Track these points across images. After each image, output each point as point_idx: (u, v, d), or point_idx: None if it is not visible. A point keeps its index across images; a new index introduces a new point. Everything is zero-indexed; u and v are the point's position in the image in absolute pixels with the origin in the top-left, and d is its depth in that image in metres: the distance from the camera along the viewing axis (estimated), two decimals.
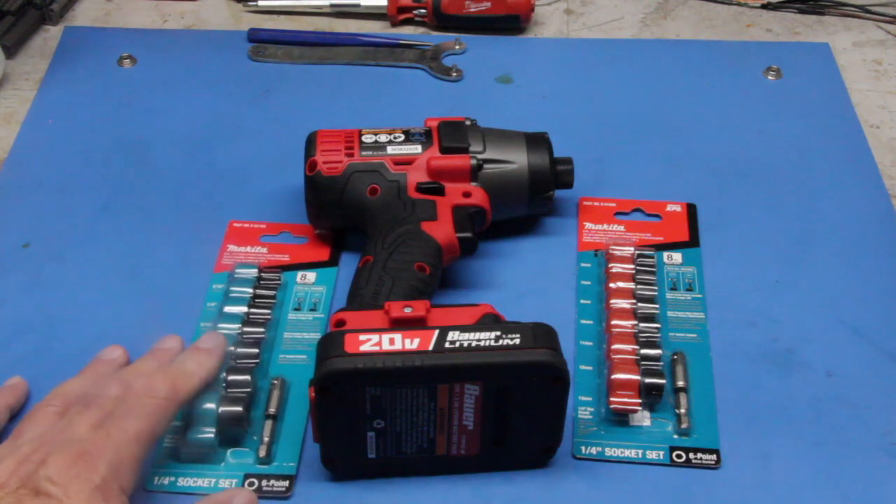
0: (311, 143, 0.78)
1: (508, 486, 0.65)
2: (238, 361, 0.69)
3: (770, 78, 0.98)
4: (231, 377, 0.68)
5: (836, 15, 1.07)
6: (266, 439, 0.66)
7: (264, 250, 0.79)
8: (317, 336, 0.73)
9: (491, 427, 0.63)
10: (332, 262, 0.79)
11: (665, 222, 0.82)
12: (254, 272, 0.76)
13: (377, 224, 0.74)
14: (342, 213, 0.77)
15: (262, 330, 0.72)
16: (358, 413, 0.61)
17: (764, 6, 1.08)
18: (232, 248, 0.79)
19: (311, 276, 0.77)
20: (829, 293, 0.78)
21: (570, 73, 0.99)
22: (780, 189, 0.87)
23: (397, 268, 0.70)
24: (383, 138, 0.78)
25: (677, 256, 0.79)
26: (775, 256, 0.81)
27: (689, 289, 0.77)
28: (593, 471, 0.66)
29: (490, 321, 0.64)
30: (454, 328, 0.61)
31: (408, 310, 0.64)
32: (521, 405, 0.62)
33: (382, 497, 0.65)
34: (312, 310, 0.75)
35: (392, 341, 0.60)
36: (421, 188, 0.76)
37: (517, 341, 0.60)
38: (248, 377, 0.68)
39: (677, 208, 0.83)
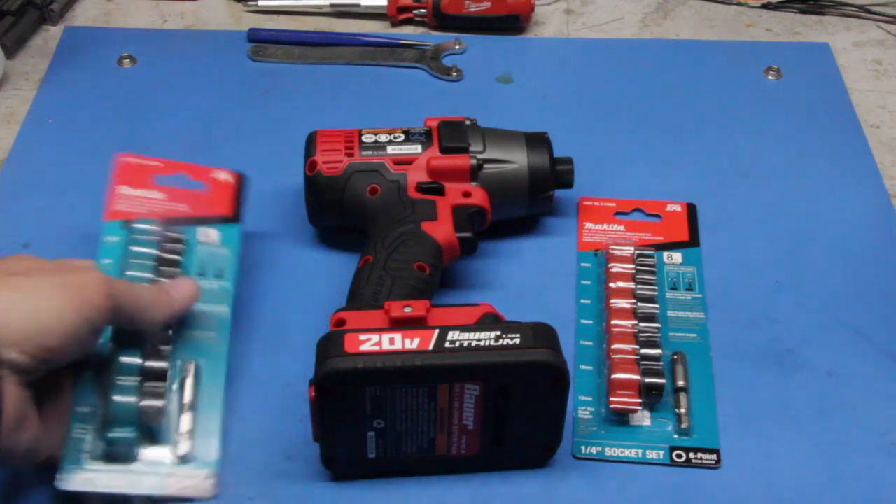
0: (311, 142, 0.78)
1: (508, 486, 0.65)
2: (158, 346, 0.64)
3: (770, 78, 0.98)
4: (149, 364, 0.63)
5: (836, 15, 1.07)
6: (183, 433, 0.63)
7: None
8: (224, 310, 0.69)
9: (491, 427, 0.63)
10: (235, 218, 0.73)
11: (665, 222, 0.82)
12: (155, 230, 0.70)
13: (377, 224, 0.74)
14: (342, 212, 0.77)
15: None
16: (358, 413, 0.61)
17: (764, 6, 1.08)
18: (126, 189, 0.72)
19: (213, 234, 0.72)
20: (829, 293, 0.78)
21: (570, 73, 0.99)
22: (780, 189, 0.87)
23: (397, 267, 0.70)
24: (383, 138, 0.78)
25: (677, 256, 0.79)
26: (775, 256, 0.81)
27: (689, 289, 0.77)
28: (593, 471, 0.66)
29: (490, 321, 0.64)
30: (454, 328, 0.61)
31: (408, 309, 0.64)
32: (522, 405, 0.62)
33: (382, 497, 0.65)
34: (218, 276, 0.70)
35: (392, 341, 0.60)
36: (421, 188, 0.76)
37: (517, 341, 0.60)
38: (165, 365, 0.63)
39: (677, 208, 0.83)
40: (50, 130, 0.91)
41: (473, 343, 0.60)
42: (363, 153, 0.77)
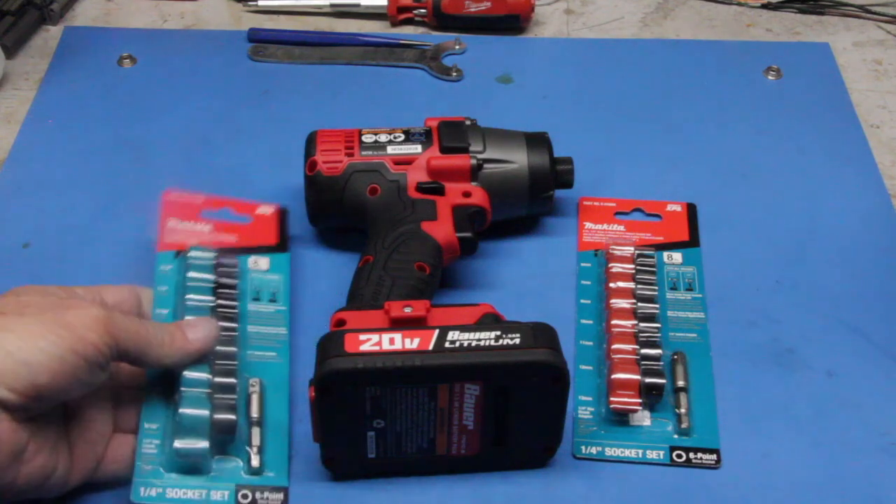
0: (311, 142, 0.78)
1: (508, 486, 0.65)
2: (220, 363, 0.66)
3: (770, 78, 0.98)
4: (218, 380, 0.64)
5: (836, 15, 1.07)
6: (255, 447, 0.64)
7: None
8: (283, 331, 0.71)
9: (491, 427, 0.63)
10: (282, 247, 0.76)
11: (665, 222, 0.82)
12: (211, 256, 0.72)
13: (377, 224, 0.74)
14: (342, 212, 0.77)
15: (234, 325, 0.69)
16: (358, 413, 0.61)
17: (764, 6, 1.08)
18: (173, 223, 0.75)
19: (263, 262, 0.74)
20: (829, 293, 0.78)
21: (570, 73, 0.99)
22: (780, 189, 0.87)
23: (397, 267, 0.70)
24: (383, 138, 0.78)
25: (677, 256, 0.79)
26: (775, 256, 0.81)
27: (689, 289, 0.77)
28: (593, 471, 0.66)
29: (490, 321, 0.64)
30: (454, 328, 0.61)
31: (408, 309, 0.64)
32: (521, 405, 0.62)
33: (382, 497, 0.65)
34: (272, 300, 0.72)
35: (392, 341, 0.60)
36: (421, 188, 0.76)
37: (517, 341, 0.60)
38: (234, 380, 0.65)
39: (677, 208, 0.83)
40: (50, 130, 0.91)
41: (473, 343, 0.60)
42: (363, 153, 0.77)
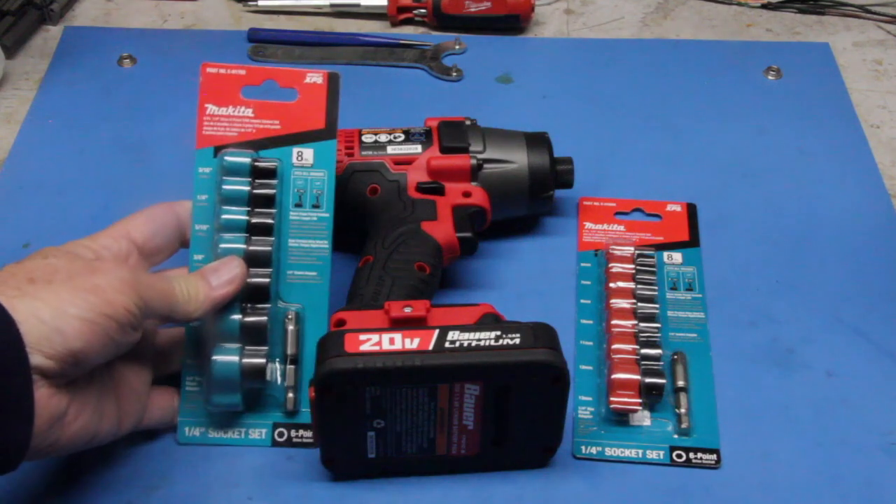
0: None
1: (508, 486, 0.65)
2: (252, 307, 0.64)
3: (770, 78, 0.98)
4: (248, 319, 0.64)
5: (836, 15, 1.07)
6: (290, 386, 0.65)
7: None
8: (324, 245, 0.68)
9: (491, 427, 0.63)
10: (328, 131, 0.70)
11: (665, 222, 0.82)
12: None
13: (377, 224, 0.74)
14: (342, 212, 0.77)
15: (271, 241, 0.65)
16: (358, 413, 0.61)
17: (764, 6, 1.08)
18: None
19: (308, 153, 0.69)
20: (829, 293, 0.78)
21: (570, 73, 0.99)
22: (780, 189, 0.87)
23: (397, 267, 0.70)
24: (383, 138, 0.78)
25: (677, 256, 0.79)
26: (775, 256, 0.81)
27: (689, 289, 0.77)
28: (593, 471, 0.67)
29: (490, 321, 0.64)
30: (454, 328, 0.61)
31: (408, 309, 0.64)
32: (522, 405, 0.62)
33: (382, 497, 0.65)
34: (315, 205, 0.68)
35: (392, 341, 0.60)
36: (421, 188, 0.76)
37: (517, 341, 0.60)
38: (264, 319, 0.64)
39: (677, 208, 0.83)
40: (50, 130, 0.91)
41: (473, 343, 0.60)
42: (363, 153, 0.77)
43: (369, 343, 0.60)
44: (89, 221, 0.82)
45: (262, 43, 1.01)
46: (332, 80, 0.70)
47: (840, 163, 0.89)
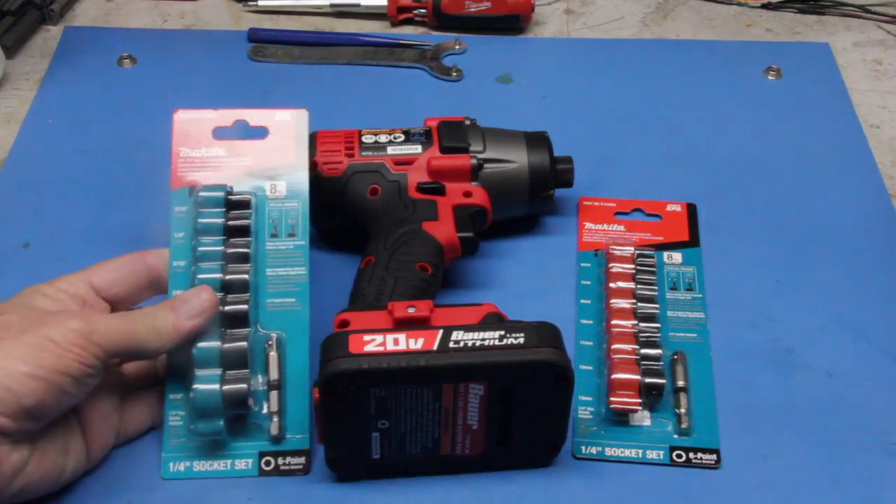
0: (311, 143, 0.77)
1: (509, 485, 0.65)
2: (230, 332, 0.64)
3: (770, 78, 0.98)
4: (227, 346, 0.63)
5: (836, 15, 1.07)
6: (274, 412, 0.64)
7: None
8: (302, 271, 0.68)
9: (495, 426, 0.63)
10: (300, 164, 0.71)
11: (665, 222, 0.82)
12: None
13: (378, 224, 0.74)
14: (343, 213, 0.77)
15: (247, 268, 0.66)
16: (362, 414, 0.61)
17: (764, 6, 1.08)
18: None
19: (281, 186, 0.70)
20: (829, 293, 0.78)
21: (570, 73, 0.99)
22: (780, 189, 0.87)
23: (399, 268, 0.70)
24: (383, 138, 0.78)
25: (677, 256, 0.80)
26: (775, 256, 0.81)
27: (689, 289, 0.77)
28: (593, 471, 0.67)
29: (493, 320, 0.64)
30: (458, 328, 0.61)
31: (411, 310, 0.64)
32: (526, 404, 0.62)
33: (382, 497, 0.65)
34: (290, 234, 0.68)
35: (396, 341, 0.60)
36: (421, 188, 0.76)
37: (521, 340, 0.60)
38: (244, 345, 0.63)
39: (677, 208, 0.83)
40: (50, 130, 0.91)
41: (478, 343, 0.60)
42: (363, 154, 0.77)
43: (373, 344, 0.60)
44: (89, 221, 0.83)
45: (262, 43, 1.01)
46: (300, 118, 0.73)
47: (840, 163, 0.89)
